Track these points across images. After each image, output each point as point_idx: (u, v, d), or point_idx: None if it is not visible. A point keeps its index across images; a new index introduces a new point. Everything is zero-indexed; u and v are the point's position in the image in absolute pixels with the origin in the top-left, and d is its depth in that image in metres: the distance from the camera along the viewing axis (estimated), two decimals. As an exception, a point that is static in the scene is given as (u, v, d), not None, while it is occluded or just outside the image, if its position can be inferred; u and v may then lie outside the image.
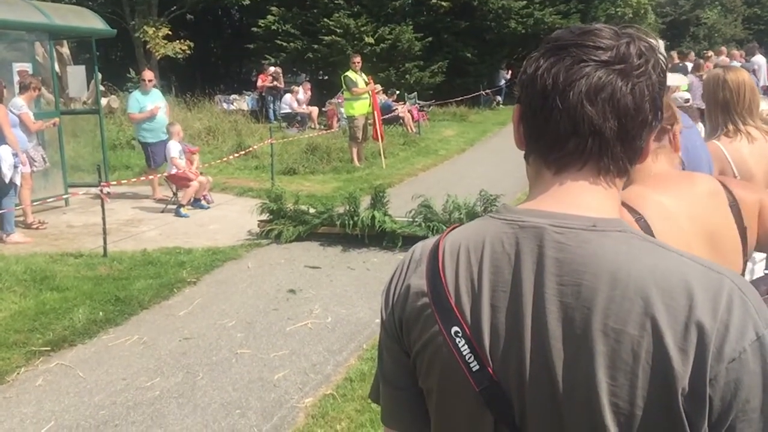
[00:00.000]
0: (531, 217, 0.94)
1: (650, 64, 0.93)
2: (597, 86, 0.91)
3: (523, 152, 1.02)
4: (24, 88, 7.92)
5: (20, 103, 7.76)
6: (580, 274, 0.87)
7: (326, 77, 23.21)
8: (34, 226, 7.83)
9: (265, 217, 7.53)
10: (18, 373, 4.36)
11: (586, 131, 0.92)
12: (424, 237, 6.88)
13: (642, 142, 0.96)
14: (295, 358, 4.53)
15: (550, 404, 0.87)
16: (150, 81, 9.87)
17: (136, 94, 9.83)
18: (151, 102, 9.63)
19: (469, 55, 23.45)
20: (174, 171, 8.90)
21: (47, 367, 4.45)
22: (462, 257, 0.96)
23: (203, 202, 9.14)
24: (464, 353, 0.92)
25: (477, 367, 0.91)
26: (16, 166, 7.16)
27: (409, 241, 6.92)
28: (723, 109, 3.03)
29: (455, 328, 0.93)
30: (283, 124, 17.13)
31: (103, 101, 14.09)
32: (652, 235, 1.43)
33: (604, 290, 0.86)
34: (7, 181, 7.10)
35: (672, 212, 1.49)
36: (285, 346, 4.71)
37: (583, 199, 0.94)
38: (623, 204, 1.49)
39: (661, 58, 0.96)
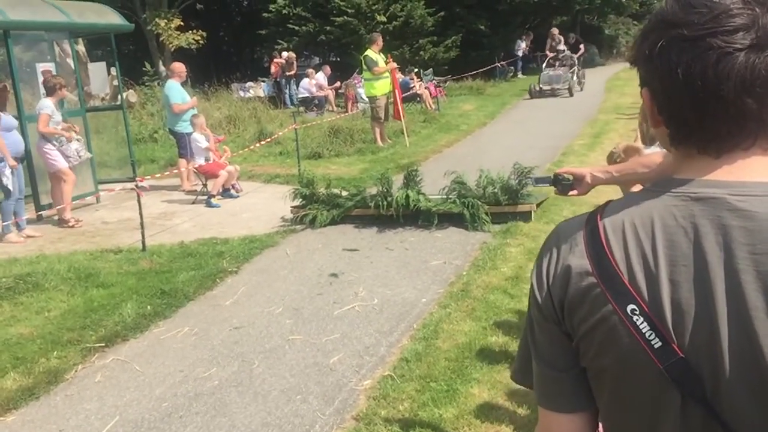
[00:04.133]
0: (703, 188, 0.92)
1: None
2: (752, 77, 0.87)
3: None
4: (50, 89, 7.89)
5: (47, 104, 7.76)
6: None
7: (338, 59, 23.09)
8: (71, 224, 7.90)
9: (297, 202, 7.53)
10: (76, 371, 4.42)
11: (749, 120, 0.90)
12: (460, 214, 6.87)
13: None
14: (348, 342, 4.54)
15: (755, 376, 0.86)
16: (184, 72, 9.92)
17: (176, 85, 9.71)
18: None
19: (482, 27, 23.24)
20: (203, 162, 8.92)
21: (104, 363, 4.51)
22: (629, 234, 0.94)
23: (233, 192, 9.17)
24: (644, 331, 0.90)
25: (659, 344, 0.89)
26: (3, 169, 7.02)
27: (445, 218, 6.90)
28: None
29: (631, 306, 0.91)
30: (301, 108, 17.09)
31: (122, 96, 14.11)
32: None
33: None
34: None
35: None
36: (335, 330, 4.73)
37: (756, 167, 0.92)
38: None
39: None
